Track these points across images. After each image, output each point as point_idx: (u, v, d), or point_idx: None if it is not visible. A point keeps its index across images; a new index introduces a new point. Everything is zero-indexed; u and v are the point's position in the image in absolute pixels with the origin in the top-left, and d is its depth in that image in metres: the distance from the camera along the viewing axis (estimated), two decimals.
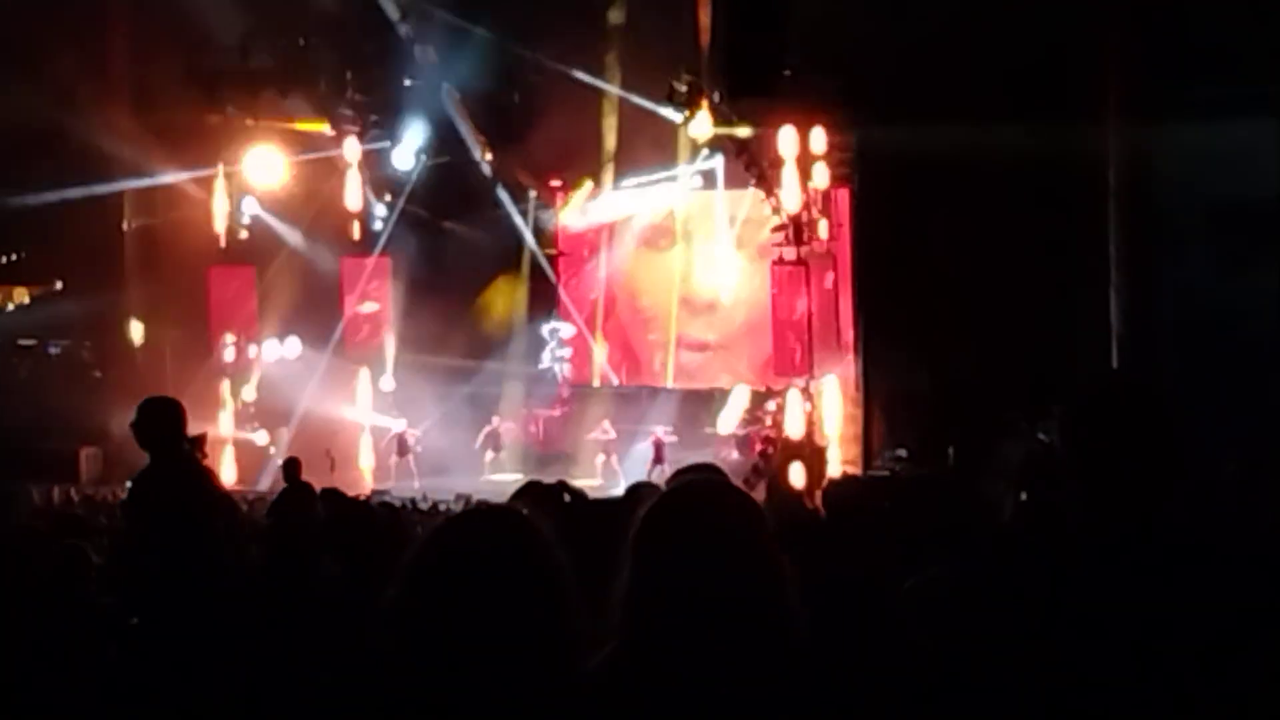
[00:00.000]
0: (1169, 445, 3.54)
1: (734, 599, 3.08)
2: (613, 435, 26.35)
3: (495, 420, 27.30)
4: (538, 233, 28.33)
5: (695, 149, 25.18)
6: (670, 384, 27.43)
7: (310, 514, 10.42)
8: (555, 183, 27.76)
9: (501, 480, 23.86)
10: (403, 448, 26.76)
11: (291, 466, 14.23)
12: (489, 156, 26.96)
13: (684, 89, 23.12)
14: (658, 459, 24.40)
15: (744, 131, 23.34)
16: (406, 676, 2.94)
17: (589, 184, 27.41)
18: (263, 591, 6.58)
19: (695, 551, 3.13)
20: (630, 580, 3.15)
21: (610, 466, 25.74)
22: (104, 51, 24.40)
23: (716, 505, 3.27)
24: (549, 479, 6.50)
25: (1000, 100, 20.37)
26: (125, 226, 26.59)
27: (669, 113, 23.78)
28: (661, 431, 25.51)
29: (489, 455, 26.88)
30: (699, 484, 3.53)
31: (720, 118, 23.26)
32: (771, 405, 24.34)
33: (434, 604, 2.95)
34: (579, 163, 26.87)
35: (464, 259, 27.60)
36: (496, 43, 24.53)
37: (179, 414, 7.93)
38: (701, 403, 26.84)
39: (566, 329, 28.19)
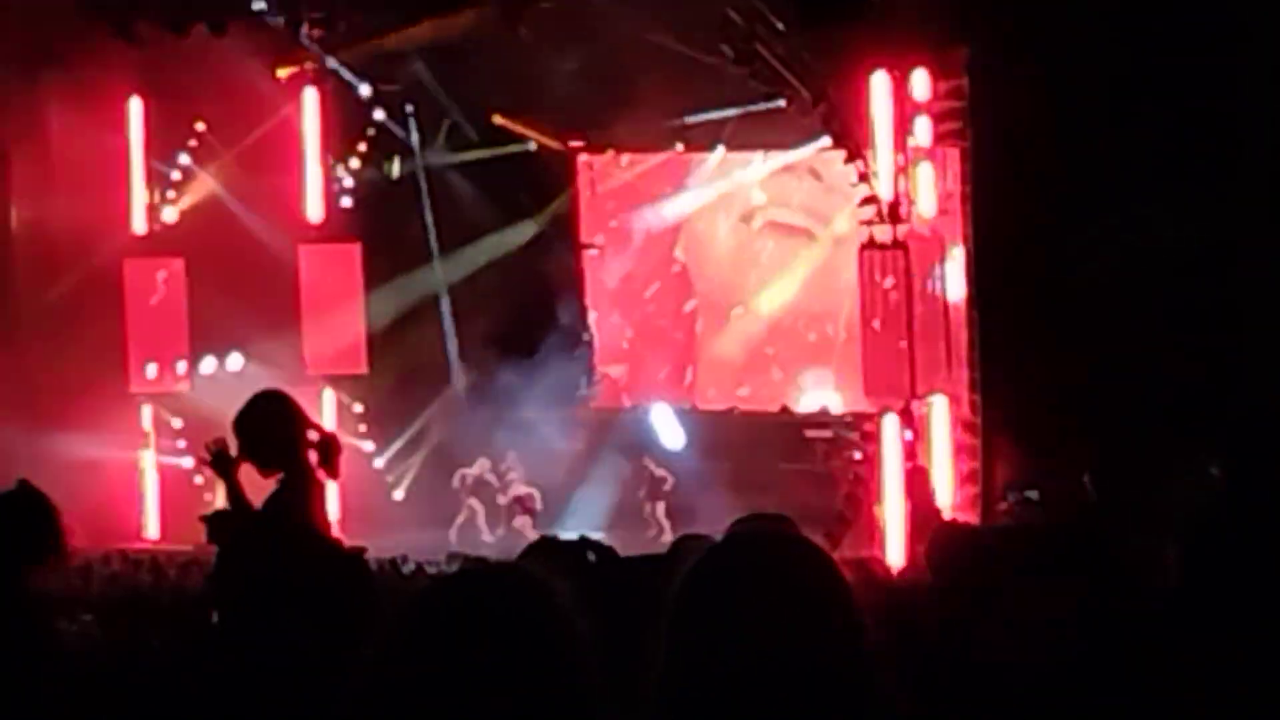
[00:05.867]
0: None
1: (802, 684, 3.10)
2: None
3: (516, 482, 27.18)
4: (554, 210, 28.33)
5: (751, 100, 24.99)
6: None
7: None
8: (576, 143, 27.78)
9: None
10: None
11: None
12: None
13: (741, 20, 23.03)
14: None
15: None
16: None
17: (612, 151, 27.52)
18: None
19: (750, 622, 3.15)
20: (667, 660, 3.18)
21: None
22: None
23: (779, 563, 3.29)
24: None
25: (1162, 38, 20.30)
26: (13, 214, 26.67)
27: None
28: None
29: (518, 519, 26.76)
30: (756, 536, 3.55)
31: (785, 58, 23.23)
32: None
33: (415, 689, 2.97)
34: (606, 118, 26.84)
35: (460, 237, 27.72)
36: None
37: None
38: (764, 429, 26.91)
39: (589, 333, 28.16)
